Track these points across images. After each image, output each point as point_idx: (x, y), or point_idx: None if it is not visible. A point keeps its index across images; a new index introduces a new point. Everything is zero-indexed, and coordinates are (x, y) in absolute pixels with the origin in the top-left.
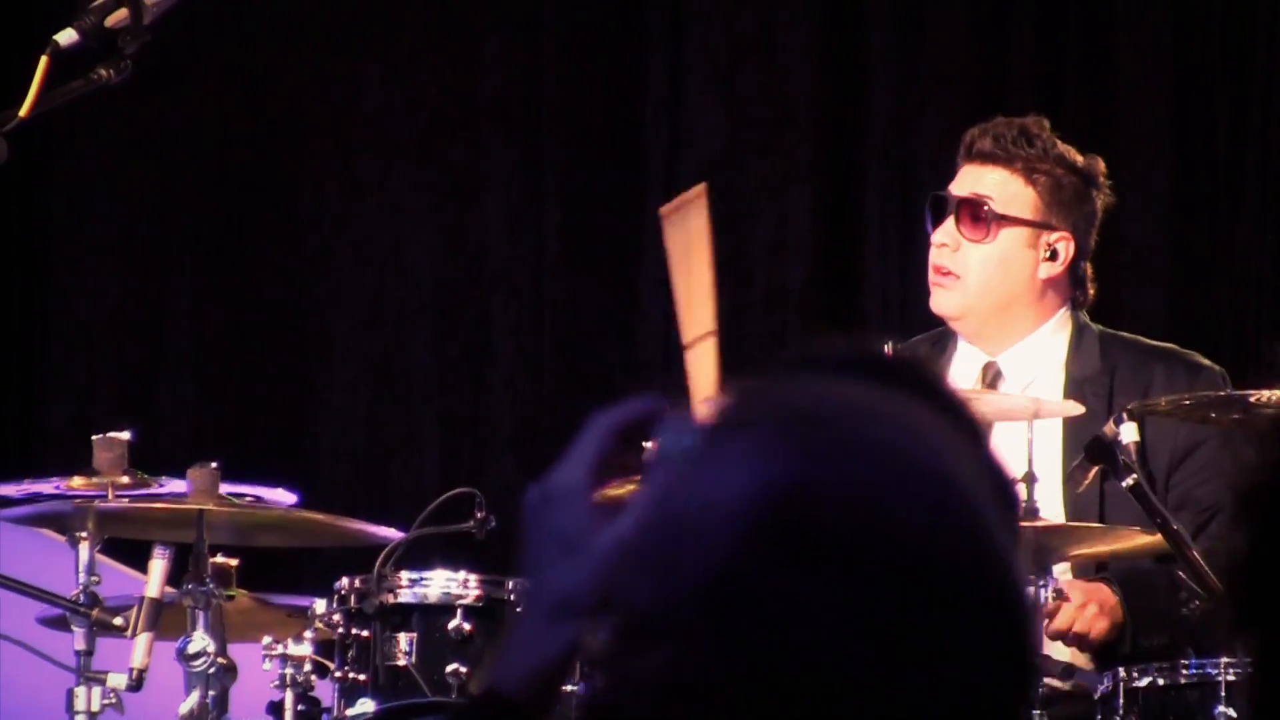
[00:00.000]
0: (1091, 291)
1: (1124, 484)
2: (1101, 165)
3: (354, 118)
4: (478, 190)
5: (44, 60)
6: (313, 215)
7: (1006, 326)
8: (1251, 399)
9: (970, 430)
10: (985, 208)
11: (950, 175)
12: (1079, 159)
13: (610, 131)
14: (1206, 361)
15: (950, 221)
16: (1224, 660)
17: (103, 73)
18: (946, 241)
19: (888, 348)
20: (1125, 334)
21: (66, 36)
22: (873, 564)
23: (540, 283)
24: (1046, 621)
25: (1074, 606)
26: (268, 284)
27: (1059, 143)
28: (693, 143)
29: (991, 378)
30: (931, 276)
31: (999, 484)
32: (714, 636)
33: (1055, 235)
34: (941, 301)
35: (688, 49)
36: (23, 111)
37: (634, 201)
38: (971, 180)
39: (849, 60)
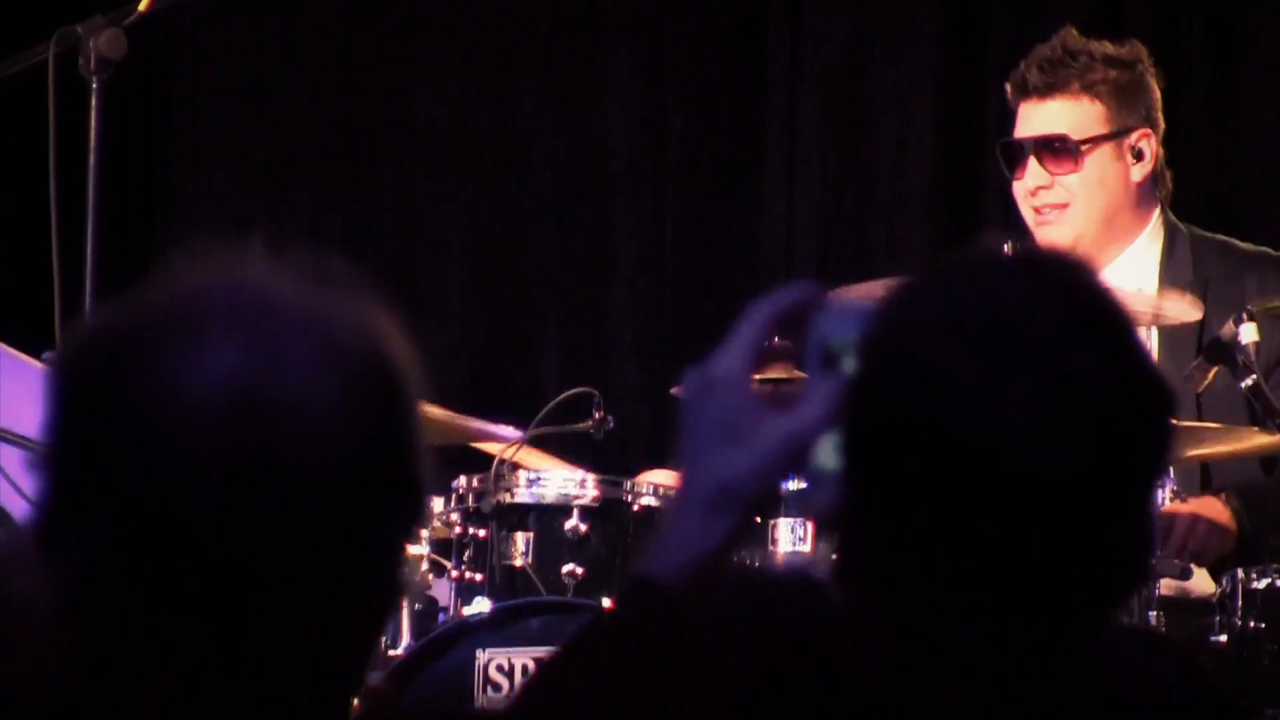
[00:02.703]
0: (1169, 179)
1: (1243, 385)
2: (1142, 48)
3: (475, 19)
4: (599, 93)
5: None
6: (433, 117)
7: (1111, 241)
8: None
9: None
10: (1063, 142)
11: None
12: (1121, 51)
13: (732, 34)
14: None
15: (1033, 163)
16: None
17: None
18: (1041, 183)
19: (1008, 247)
20: (1217, 236)
21: None
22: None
23: (662, 186)
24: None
25: (1183, 528)
26: (387, 187)
27: (1096, 44)
28: (815, 47)
29: None
30: (1033, 218)
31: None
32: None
33: (1135, 135)
34: (1053, 235)
35: None
36: (142, 5)
37: (756, 106)
38: (1037, 118)
39: None
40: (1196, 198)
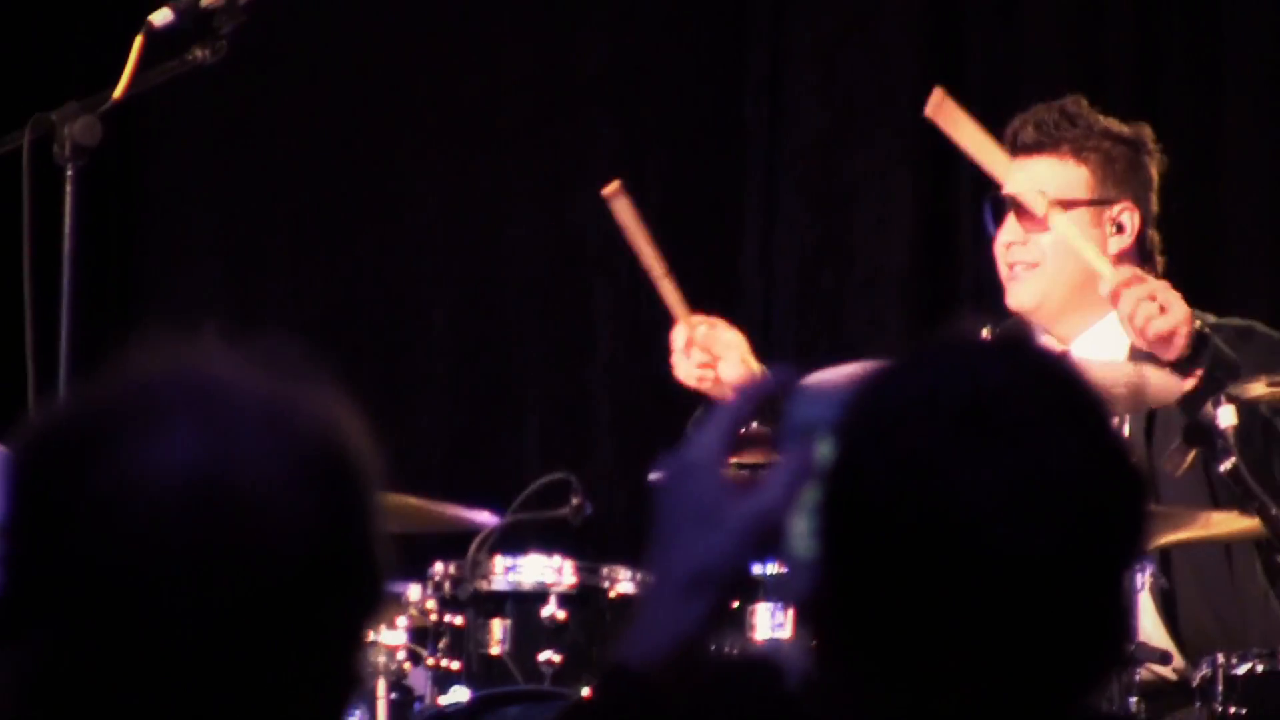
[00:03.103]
0: (1160, 261)
1: (1222, 468)
2: (1149, 131)
3: (454, 101)
4: (578, 175)
5: (138, 41)
6: (412, 201)
7: (1081, 310)
8: None
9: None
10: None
11: None
12: (1124, 129)
13: (711, 113)
14: (1264, 328)
15: (1012, 219)
16: None
17: (198, 53)
18: (1014, 239)
19: (985, 331)
20: (1202, 314)
21: (161, 17)
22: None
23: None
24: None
25: (1142, 289)
26: (367, 269)
27: (1101, 117)
28: (794, 126)
29: None
30: (1005, 274)
31: None
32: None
33: (1118, 208)
34: (1019, 293)
35: (789, 31)
36: (117, 93)
37: (734, 186)
38: (1022, 174)
39: (950, 43)
40: (1172, 273)
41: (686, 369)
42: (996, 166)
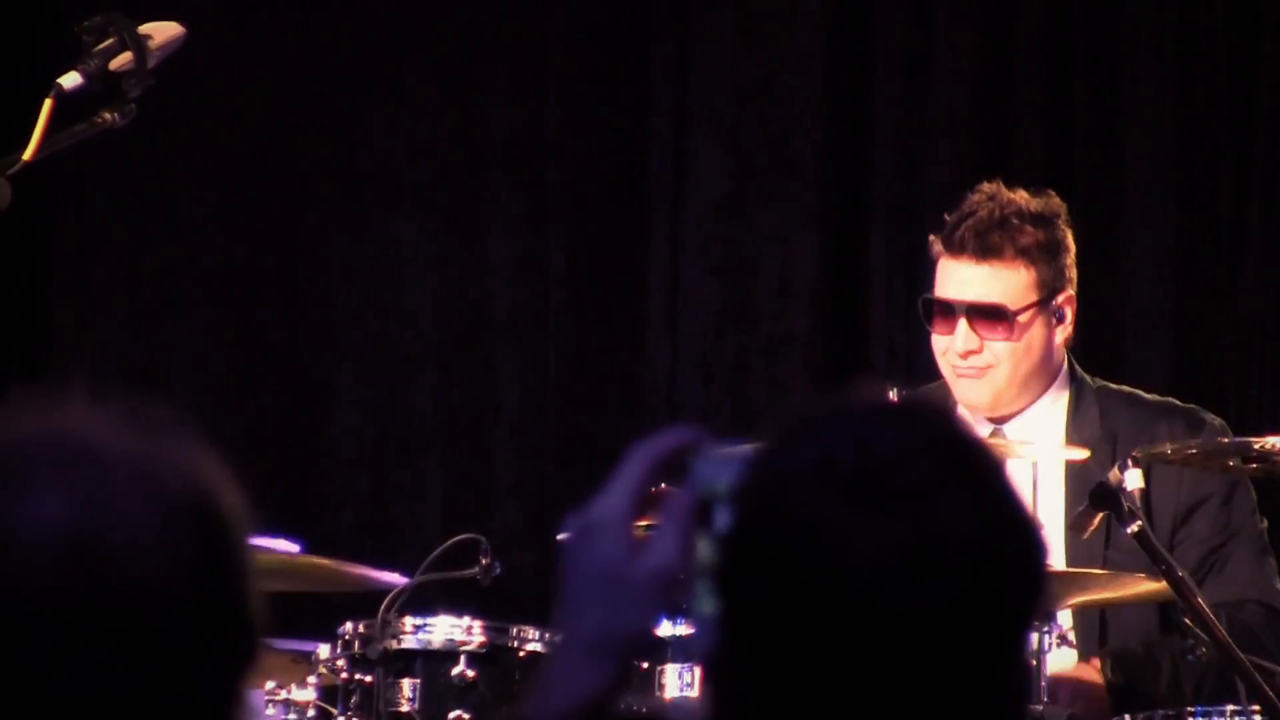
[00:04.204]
0: (1070, 326)
1: (1128, 530)
2: (1055, 197)
3: (358, 163)
4: (482, 236)
5: (48, 103)
6: (316, 262)
7: (1021, 398)
8: (1256, 446)
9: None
10: (1000, 311)
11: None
12: (1040, 206)
13: (614, 178)
14: (1209, 416)
15: (964, 325)
16: (1230, 708)
17: (106, 116)
18: (970, 347)
19: (892, 394)
20: (1123, 388)
21: (70, 80)
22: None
23: (544, 329)
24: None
25: (1066, 693)
26: (271, 331)
27: (1019, 201)
28: (697, 190)
29: None
30: (952, 374)
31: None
32: None
33: (1060, 298)
34: (972, 394)
35: (692, 96)
36: (26, 155)
37: (638, 248)
38: (972, 281)
39: (854, 108)
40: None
41: None
42: None
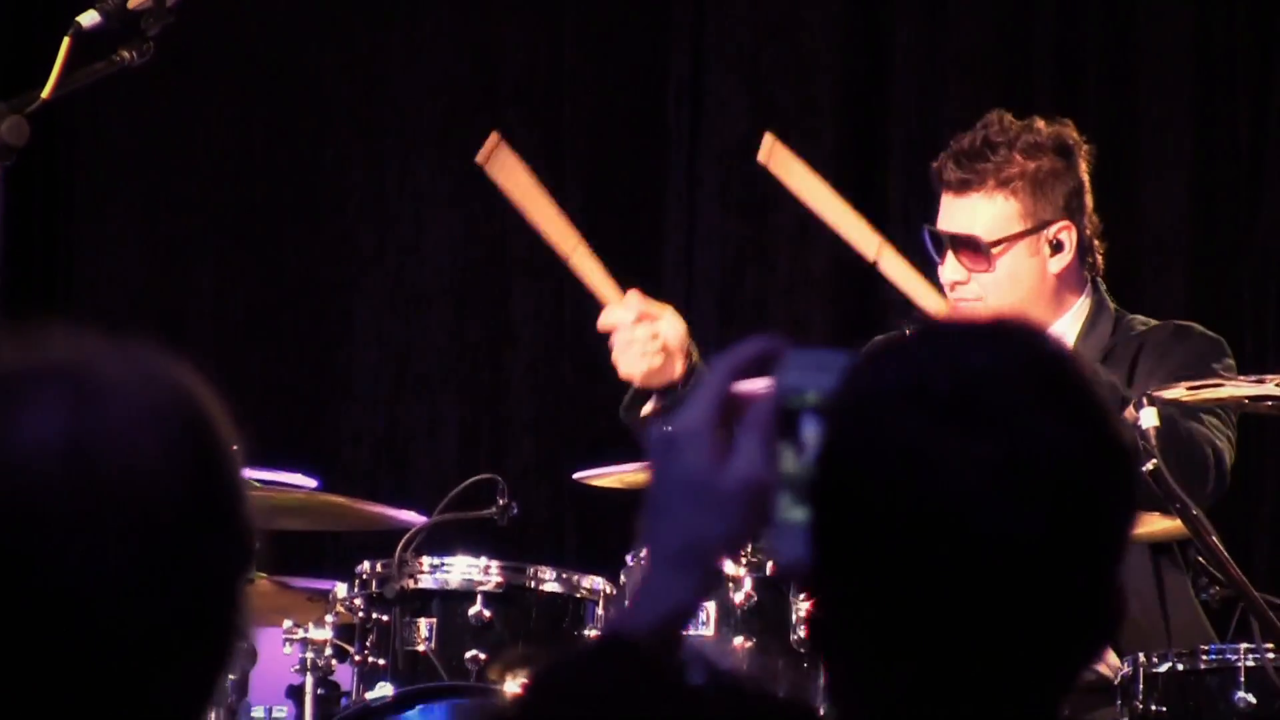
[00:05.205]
0: (1100, 255)
1: (1144, 469)
2: (1071, 129)
3: (376, 102)
4: None
5: (66, 41)
6: (334, 200)
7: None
8: (1274, 382)
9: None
10: (977, 241)
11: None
12: (1045, 136)
13: (632, 115)
14: (1200, 329)
15: (950, 258)
16: (1243, 646)
17: (125, 54)
18: (956, 278)
19: (908, 331)
20: (1138, 317)
21: (89, 18)
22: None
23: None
24: None
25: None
26: (289, 269)
27: (1021, 130)
28: (715, 127)
29: None
30: (950, 306)
31: None
32: None
33: (1054, 229)
34: None
35: (710, 33)
36: (45, 93)
37: (656, 186)
38: (954, 213)
39: (872, 45)
40: None
41: (633, 353)
42: (552, 225)
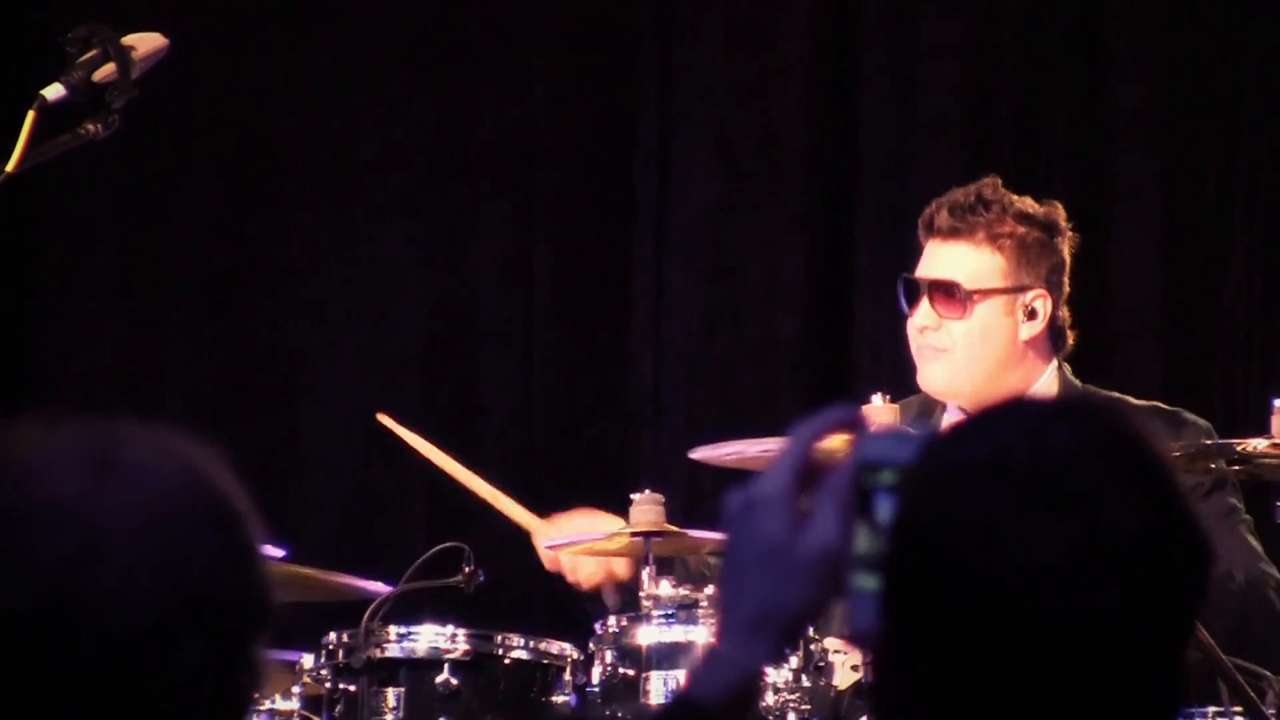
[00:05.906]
0: (1071, 338)
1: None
2: (1061, 210)
3: (346, 169)
4: (468, 242)
5: (31, 115)
6: (304, 267)
7: (995, 394)
8: (1239, 448)
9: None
10: (957, 287)
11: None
12: (1037, 210)
13: (601, 183)
14: (1192, 417)
15: (925, 303)
16: (1211, 710)
17: (90, 127)
18: (927, 323)
19: (878, 398)
20: (1112, 395)
21: (53, 91)
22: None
23: (530, 334)
24: None
25: None
26: (259, 337)
27: (1015, 199)
28: (683, 193)
29: None
30: (915, 353)
31: None
32: None
33: (1031, 295)
34: (930, 377)
35: (679, 100)
36: (10, 166)
37: (624, 253)
38: (937, 259)
39: (841, 111)
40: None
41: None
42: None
